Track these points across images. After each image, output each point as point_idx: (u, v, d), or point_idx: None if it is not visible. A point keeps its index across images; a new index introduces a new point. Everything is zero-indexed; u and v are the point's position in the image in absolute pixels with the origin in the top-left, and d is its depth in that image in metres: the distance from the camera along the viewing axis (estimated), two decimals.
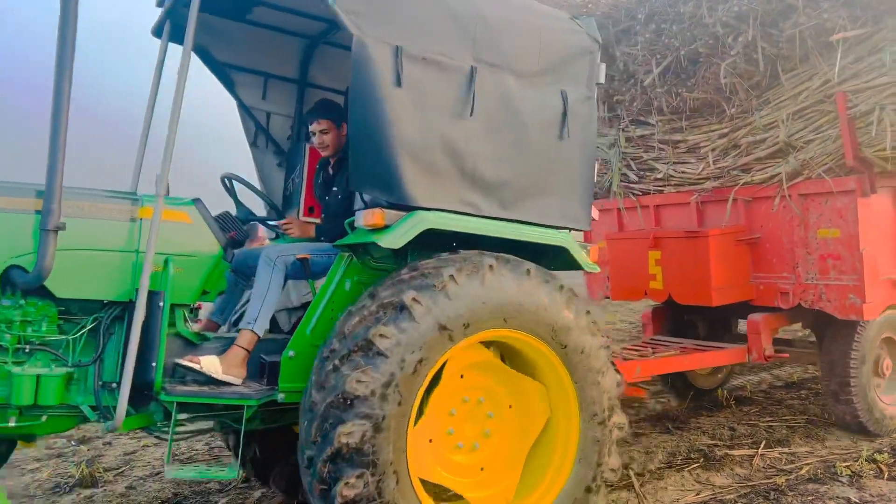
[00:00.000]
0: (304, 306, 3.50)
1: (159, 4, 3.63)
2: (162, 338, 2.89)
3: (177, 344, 3.07)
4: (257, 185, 4.36)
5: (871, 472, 4.34)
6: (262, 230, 4.22)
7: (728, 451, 4.78)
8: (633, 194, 6.14)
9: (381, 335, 2.67)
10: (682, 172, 5.75)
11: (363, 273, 3.17)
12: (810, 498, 3.94)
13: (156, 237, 2.85)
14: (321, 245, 3.46)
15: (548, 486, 3.12)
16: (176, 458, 5.01)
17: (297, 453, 2.84)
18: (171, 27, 3.64)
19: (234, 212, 3.72)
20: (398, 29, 2.94)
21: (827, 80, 4.76)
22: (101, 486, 4.44)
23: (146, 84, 3.66)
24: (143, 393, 2.91)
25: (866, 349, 5.01)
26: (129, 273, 2.96)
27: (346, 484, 2.56)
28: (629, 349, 5.48)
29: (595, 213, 3.55)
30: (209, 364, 2.99)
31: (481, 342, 3.06)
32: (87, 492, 4.33)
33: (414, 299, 2.73)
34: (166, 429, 2.99)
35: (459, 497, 3.06)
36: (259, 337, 3.15)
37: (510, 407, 3.17)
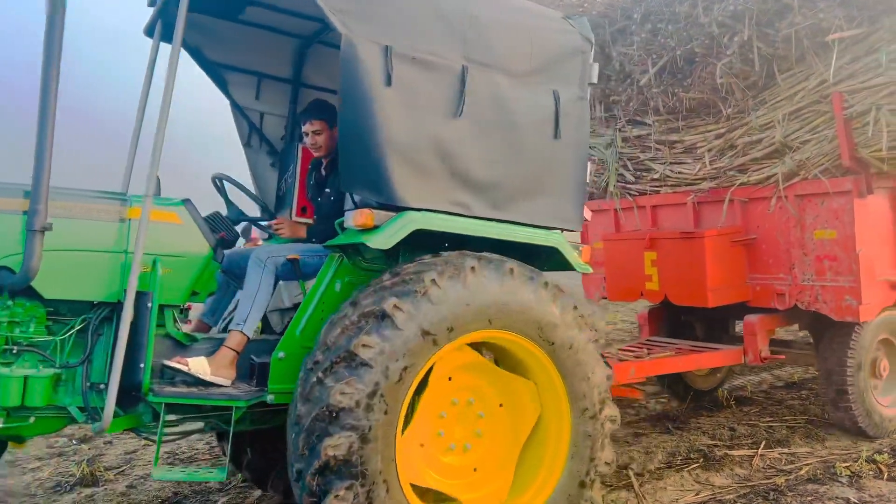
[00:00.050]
0: (297, 307, 3.47)
1: (151, 4, 3.61)
2: (150, 339, 2.87)
3: (165, 345, 3.06)
4: (250, 185, 4.34)
5: (871, 472, 4.32)
6: (256, 231, 4.22)
7: (728, 452, 4.76)
8: (630, 195, 6.11)
9: (363, 345, 2.64)
10: (679, 173, 5.73)
11: (353, 274, 3.16)
12: (810, 498, 3.92)
13: (144, 238, 2.84)
14: (312, 246, 3.44)
15: (541, 483, 3.11)
16: (177, 457, 5.01)
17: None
18: (162, 27, 3.62)
19: (224, 212, 3.71)
20: (388, 28, 2.92)
21: (823, 81, 4.74)
22: (102, 485, 4.44)
23: (138, 84, 3.65)
24: (131, 394, 2.90)
25: (863, 352, 4.98)
26: (117, 274, 2.95)
27: (336, 496, 2.55)
28: (624, 350, 5.45)
29: (587, 214, 3.53)
30: (197, 365, 2.98)
31: (469, 344, 3.04)
32: (88, 490, 4.34)
33: (395, 306, 2.70)
34: (155, 430, 2.97)
35: (453, 499, 3.04)
36: (248, 338, 3.14)
37: (500, 406, 3.15)
